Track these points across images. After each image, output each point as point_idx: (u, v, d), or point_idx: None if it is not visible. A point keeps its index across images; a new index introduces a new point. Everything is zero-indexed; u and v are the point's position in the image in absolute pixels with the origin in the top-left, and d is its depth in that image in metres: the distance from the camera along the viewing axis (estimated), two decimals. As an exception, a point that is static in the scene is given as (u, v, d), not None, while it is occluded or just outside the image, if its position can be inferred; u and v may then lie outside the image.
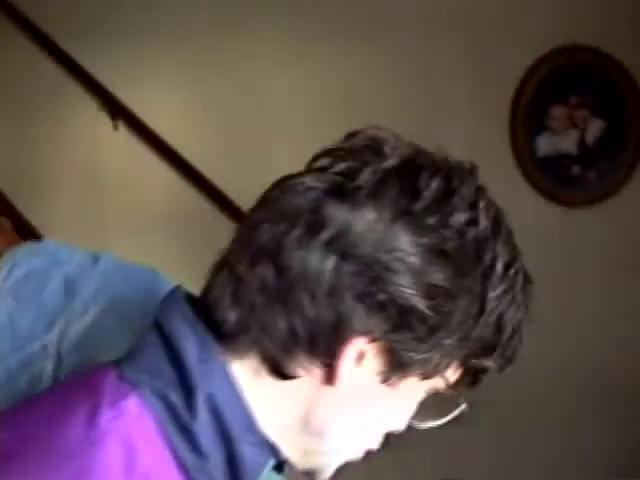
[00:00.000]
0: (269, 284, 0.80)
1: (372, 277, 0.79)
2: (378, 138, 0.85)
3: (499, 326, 0.84)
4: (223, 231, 3.23)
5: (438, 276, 0.80)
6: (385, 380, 0.83)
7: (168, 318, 0.84)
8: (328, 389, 0.83)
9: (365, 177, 0.80)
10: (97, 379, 0.83)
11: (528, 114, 3.10)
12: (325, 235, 0.79)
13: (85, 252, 1.55)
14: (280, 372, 0.83)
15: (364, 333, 0.80)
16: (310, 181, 0.82)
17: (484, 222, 0.82)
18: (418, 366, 0.83)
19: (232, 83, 3.48)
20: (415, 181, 0.81)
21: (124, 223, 3.59)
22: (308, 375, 0.82)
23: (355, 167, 0.81)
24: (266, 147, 3.45)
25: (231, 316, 0.82)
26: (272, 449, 0.84)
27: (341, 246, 0.79)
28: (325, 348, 0.81)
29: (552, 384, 3.04)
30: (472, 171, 0.85)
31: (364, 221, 0.79)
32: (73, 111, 3.74)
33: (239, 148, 3.49)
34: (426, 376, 0.84)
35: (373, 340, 0.81)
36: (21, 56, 3.80)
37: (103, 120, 3.64)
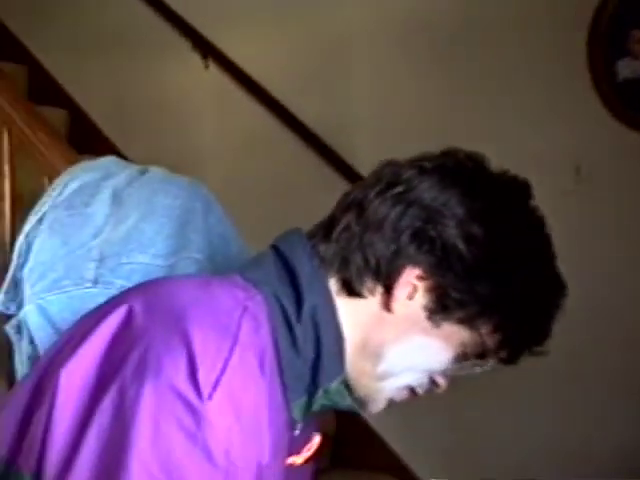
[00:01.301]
0: (351, 226, 1.04)
1: (426, 218, 1.01)
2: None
3: (529, 301, 1.04)
4: (308, 165, 3.34)
5: (477, 231, 1.01)
6: (430, 316, 1.03)
7: (292, 249, 1.07)
8: (385, 315, 1.04)
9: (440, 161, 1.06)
10: (230, 278, 1.05)
11: (608, 37, 3.01)
12: (398, 189, 1.03)
13: (135, 167, 1.67)
14: (351, 291, 1.04)
15: (415, 264, 1.02)
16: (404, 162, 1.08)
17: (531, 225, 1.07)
18: (456, 308, 1.02)
19: (319, 20, 3.53)
20: (482, 174, 1.06)
21: (213, 156, 3.72)
22: (372, 297, 1.04)
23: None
24: (352, 81, 3.50)
25: (322, 248, 1.06)
26: (343, 363, 1.04)
27: (408, 198, 1.02)
28: (386, 274, 1.02)
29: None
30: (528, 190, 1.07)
31: (428, 182, 1.03)
32: (167, 51, 3.88)
33: (326, 84, 3.54)
34: (463, 321, 1.03)
35: (423, 278, 1.02)
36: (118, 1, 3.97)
37: (195, 60, 3.77)
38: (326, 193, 3.28)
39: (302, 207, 3.44)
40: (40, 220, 1.58)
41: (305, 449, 1.10)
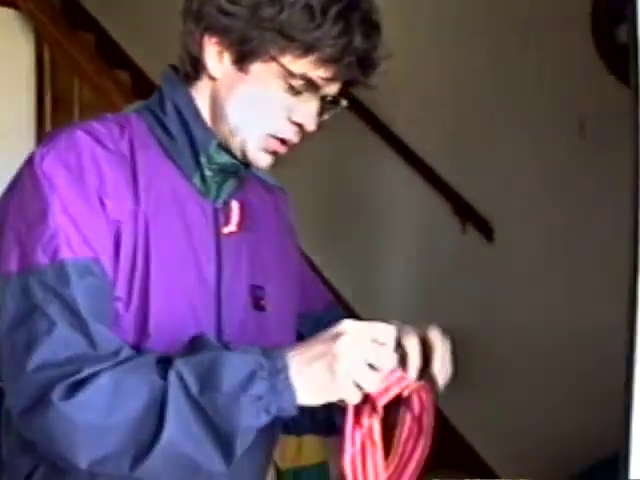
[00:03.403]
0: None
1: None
2: None
3: (308, 12, 1.18)
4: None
5: None
6: (239, 67, 1.23)
7: (166, 85, 1.30)
8: (214, 84, 1.27)
9: None
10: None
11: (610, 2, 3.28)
12: None
13: None
14: (188, 78, 1.28)
15: (208, 35, 1.22)
16: None
17: None
18: (251, 49, 1.21)
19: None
20: None
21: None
22: (203, 76, 1.26)
23: None
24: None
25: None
26: (211, 131, 1.27)
27: None
28: (195, 54, 1.25)
29: None
30: None
31: None
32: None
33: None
34: (262, 57, 1.20)
35: (220, 41, 1.22)
36: None
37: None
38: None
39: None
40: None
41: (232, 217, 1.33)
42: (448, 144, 3.75)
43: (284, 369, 1.07)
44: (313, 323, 1.48)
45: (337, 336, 1.08)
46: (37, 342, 1.09)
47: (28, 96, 3.21)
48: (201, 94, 1.29)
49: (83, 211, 1.16)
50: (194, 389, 1.06)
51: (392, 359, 1.11)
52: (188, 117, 1.27)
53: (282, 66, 1.21)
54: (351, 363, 1.07)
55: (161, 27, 4.23)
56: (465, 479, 2.86)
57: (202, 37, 1.25)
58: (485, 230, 3.64)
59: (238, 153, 1.28)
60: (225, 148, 1.28)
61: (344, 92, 1.29)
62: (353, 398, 1.08)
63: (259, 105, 1.25)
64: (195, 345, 1.13)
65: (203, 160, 1.28)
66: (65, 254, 1.13)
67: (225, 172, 1.30)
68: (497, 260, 3.62)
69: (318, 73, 1.22)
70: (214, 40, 1.24)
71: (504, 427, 3.56)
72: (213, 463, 1.08)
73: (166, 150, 1.28)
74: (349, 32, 1.19)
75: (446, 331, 1.22)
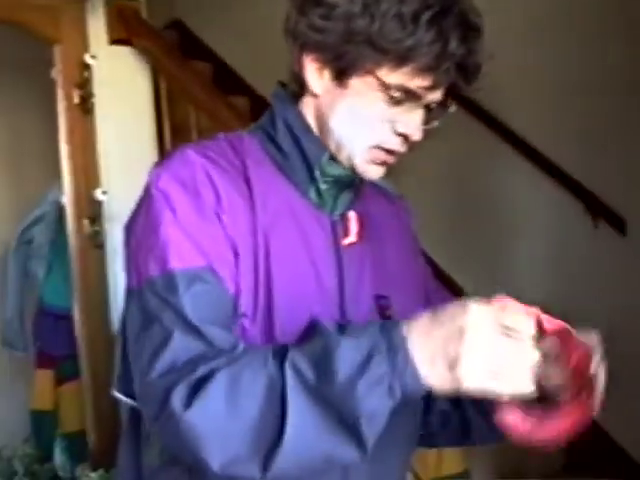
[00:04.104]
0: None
1: (294, 17, 1.24)
2: None
3: (400, 21, 1.15)
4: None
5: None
6: (339, 82, 1.23)
7: (276, 102, 1.32)
8: (317, 100, 1.27)
9: None
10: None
11: None
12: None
13: None
14: (295, 96, 1.30)
15: (306, 53, 1.23)
16: None
17: None
18: (343, 61, 1.20)
19: None
20: None
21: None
22: (306, 93, 1.27)
23: None
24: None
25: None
26: (323, 144, 1.27)
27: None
28: (298, 72, 1.26)
29: None
30: None
31: None
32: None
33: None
34: (360, 71, 1.19)
35: (319, 58, 1.22)
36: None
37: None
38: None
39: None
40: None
41: (350, 228, 1.32)
42: (576, 142, 3.67)
43: (402, 344, 1.02)
44: None
45: (464, 311, 1.00)
46: (157, 352, 1.11)
47: (149, 128, 3.32)
48: (308, 109, 1.29)
49: (197, 222, 1.18)
50: (311, 379, 1.03)
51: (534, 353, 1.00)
52: (299, 132, 1.28)
53: (379, 79, 1.20)
54: (481, 336, 0.98)
55: (277, 51, 4.42)
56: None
57: (301, 54, 1.25)
58: (618, 224, 3.52)
59: (347, 165, 1.28)
60: (338, 160, 1.28)
61: (456, 96, 1.26)
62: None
63: (361, 119, 1.24)
64: (311, 332, 1.14)
65: (317, 173, 1.28)
66: (174, 264, 1.15)
67: (340, 184, 1.30)
68: (631, 254, 3.50)
69: (416, 82, 1.20)
70: (312, 57, 1.24)
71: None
72: (345, 452, 1.04)
73: (279, 166, 1.29)
74: (443, 38, 1.16)
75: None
